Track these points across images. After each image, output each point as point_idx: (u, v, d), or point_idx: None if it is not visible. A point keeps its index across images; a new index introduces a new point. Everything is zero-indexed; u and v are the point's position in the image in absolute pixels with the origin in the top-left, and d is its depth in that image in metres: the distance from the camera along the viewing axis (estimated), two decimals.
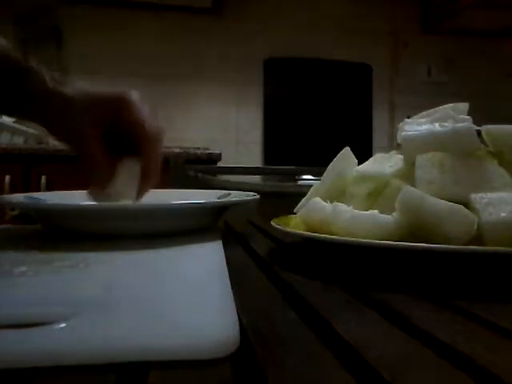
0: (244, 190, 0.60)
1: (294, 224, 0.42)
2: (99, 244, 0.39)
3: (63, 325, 0.19)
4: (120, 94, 0.48)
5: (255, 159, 2.57)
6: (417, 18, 2.71)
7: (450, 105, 0.41)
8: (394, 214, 0.33)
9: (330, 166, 0.44)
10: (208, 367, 0.17)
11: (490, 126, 0.38)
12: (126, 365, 0.17)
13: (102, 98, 0.47)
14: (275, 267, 0.35)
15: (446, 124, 0.38)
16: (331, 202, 0.37)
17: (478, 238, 0.31)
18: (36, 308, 0.22)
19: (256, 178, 1.95)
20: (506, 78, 2.67)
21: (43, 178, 1.87)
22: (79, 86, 0.48)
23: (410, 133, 0.39)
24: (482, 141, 0.38)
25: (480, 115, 0.46)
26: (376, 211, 0.34)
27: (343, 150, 0.44)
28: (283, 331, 0.22)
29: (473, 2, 2.25)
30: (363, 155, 0.45)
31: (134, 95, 0.48)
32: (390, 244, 0.30)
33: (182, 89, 2.52)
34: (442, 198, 0.31)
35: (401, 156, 0.40)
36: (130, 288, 0.26)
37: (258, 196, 0.53)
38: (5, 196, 0.54)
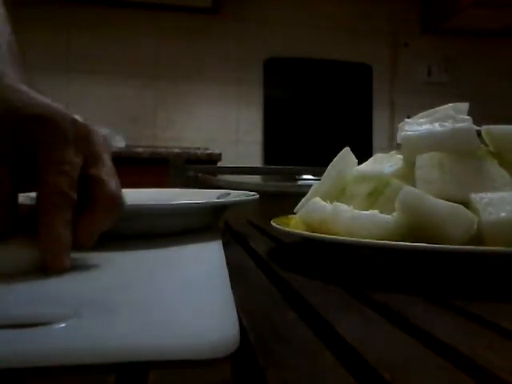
0: (244, 190, 0.60)
1: (294, 224, 0.42)
2: (99, 244, 0.38)
3: (63, 325, 0.19)
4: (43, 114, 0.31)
5: (255, 159, 2.57)
6: (417, 18, 2.71)
7: (450, 105, 0.41)
8: (394, 213, 0.33)
9: (329, 166, 0.44)
10: (208, 367, 0.17)
11: (490, 126, 0.38)
12: (126, 365, 0.17)
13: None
14: (275, 267, 0.35)
15: (446, 124, 0.38)
16: (331, 202, 0.37)
17: (477, 238, 0.31)
18: (36, 308, 0.22)
19: (256, 178, 1.95)
20: (506, 78, 2.67)
21: None
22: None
23: (409, 133, 0.39)
24: (482, 141, 0.38)
25: (480, 115, 0.46)
26: (376, 211, 0.34)
27: (343, 150, 0.44)
28: (283, 331, 0.22)
29: (473, 2, 2.25)
30: (363, 155, 0.45)
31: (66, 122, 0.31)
32: (390, 244, 0.30)
33: (181, 89, 2.52)
34: (442, 198, 0.31)
35: (401, 156, 0.40)
36: (129, 288, 0.26)
37: (258, 196, 0.53)
38: None
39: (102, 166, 0.32)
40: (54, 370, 0.17)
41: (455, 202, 0.31)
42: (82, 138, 0.32)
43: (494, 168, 0.35)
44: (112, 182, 0.32)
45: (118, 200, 0.32)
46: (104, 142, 0.34)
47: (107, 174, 0.32)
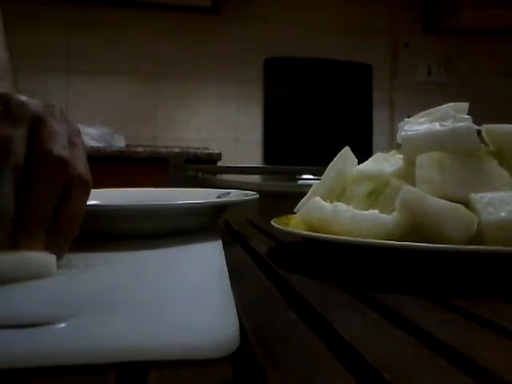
0: (244, 190, 0.60)
1: (294, 224, 0.42)
2: (99, 244, 0.39)
3: (63, 325, 0.19)
4: None
5: (255, 159, 2.57)
6: (417, 18, 2.71)
7: (450, 104, 0.41)
8: (393, 213, 0.33)
9: (330, 165, 0.44)
10: (208, 367, 0.17)
11: (490, 126, 0.38)
12: (126, 365, 0.17)
13: None
14: (275, 267, 0.35)
15: (446, 123, 0.37)
16: (331, 202, 0.37)
17: (477, 238, 0.31)
18: (36, 308, 0.22)
19: (256, 178, 1.95)
20: (506, 77, 2.67)
21: None
22: None
23: (409, 133, 0.39)
24: (482, 140, 0.38)
25: (480, 115, 0.46)
26: (376, 211, 0.34)
27: (343, 150, 0.44)
28: (283, 331, 0.22)
29: (473, 2, 2.25)
30: (363, 155, 0.45)
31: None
32: (390, 244, 0.30)
33: (182, 89, 2.52)
34: (441, 198, 0.31)
35: (401, 156, 0.40)
36: (129, 288, 0.26)
37: (258, 195, 0.52)
38: None
39: (44, 129, 0.31)
40: (54, 370, 0.17)
41: (455, 202, 0.31)
42: (18, 108, 0.31)
43: (494, 168, 0.35)
44: (53, 141, 0.31)
45: (56, 157, 0.30)
46: (48, 110, 0.33)
47: (49, 134, 0.31)
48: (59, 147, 0.31)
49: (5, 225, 0.28)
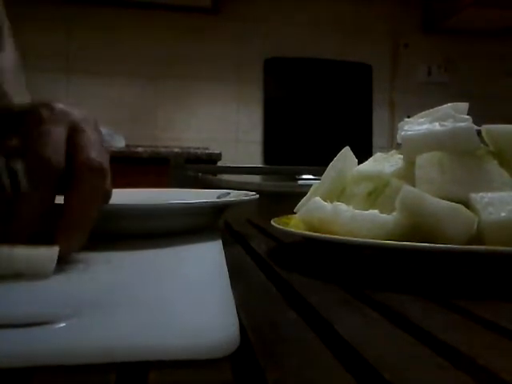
0: (244, 190, 0.60)
1: (294, 224, 0.42)
2: (99, 244, 0.38)
3: (63, 324, 0.19)
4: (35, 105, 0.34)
5: (255, 159, 2.57)
6: (417, 18, 2.71)
7: (450, 104, 0.41)
8: (393, 213, 0.33)
9: (329, 165, 0.44)
10: (208, 367, 0.17)
11: (490, 126, 0.38)
12: (125, 365, 0.17)
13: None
14: (275, 267, 0.35)
15: (446, 123, 0.37)
16: (331, 202, 0.37)
17: (477, 238, 0.31)
18: (36, 308, 0.22)
19: (256, 178, 1.95)
20: (506, 78, 2.67)
21: None
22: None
23: (409, 133, 0.39)
24: (482, 140, 0.38)
25: (480, 115, 0.46)
26: (376, 211, 0.34)
27: (343, 150, 0.44)
28: (283, 331, 0.22)
29: (473, 2, 2.25)
30: (363, 155, 0.45)
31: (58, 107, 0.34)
32: (390, 244, 0.30)
33: (181, 89, 2.52)
34: (441, 198, 0.31)
35: (401, 156, 0.40)
36: (129, 288, 0.26)
37: (258, 196, 0.52)
38: None
39: (83, 136, 0.33)
40: (54, 370, 0.17)
41: (455, 202, 0.31)
42: (61, 114, 0.34)
43: (493, 168, 0.35)
44: (92, 149, 0.32)
45: (97, 165, 0.32)
46: (85, 119, 0.35)
47: (88, 141, 0.33)
48: (99, 155, 0.32)
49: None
